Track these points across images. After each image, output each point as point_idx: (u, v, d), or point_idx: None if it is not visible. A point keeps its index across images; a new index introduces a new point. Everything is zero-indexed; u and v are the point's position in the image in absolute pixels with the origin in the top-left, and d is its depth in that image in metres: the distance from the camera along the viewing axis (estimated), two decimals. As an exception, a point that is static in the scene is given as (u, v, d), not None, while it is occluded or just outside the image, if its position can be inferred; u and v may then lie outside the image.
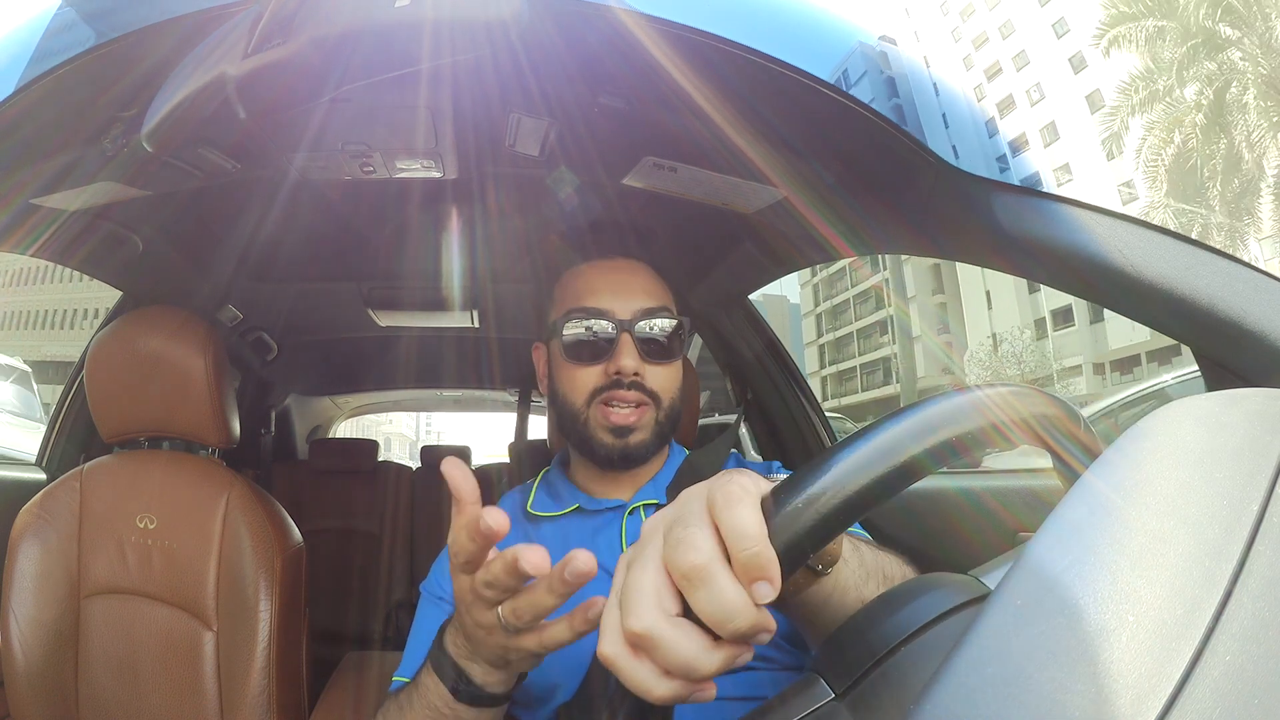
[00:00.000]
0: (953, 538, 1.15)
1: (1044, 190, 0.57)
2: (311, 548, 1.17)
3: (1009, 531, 1.13)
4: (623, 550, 0.75)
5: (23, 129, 0.68)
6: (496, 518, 0.42)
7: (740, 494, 0.33)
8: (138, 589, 1.03)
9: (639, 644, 0.32)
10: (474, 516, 0.43)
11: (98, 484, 1.06)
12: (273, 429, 2.49)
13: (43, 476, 1.30)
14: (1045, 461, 0.39)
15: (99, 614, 1.02)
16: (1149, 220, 0.53)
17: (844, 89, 0.58)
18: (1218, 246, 0.51)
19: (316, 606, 1.20)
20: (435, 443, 4.04)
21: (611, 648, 0.33)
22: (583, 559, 0.43)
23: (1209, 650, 0.24)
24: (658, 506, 0.78)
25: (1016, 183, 0.59)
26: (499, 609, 0.47)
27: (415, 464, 2.65)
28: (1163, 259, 0.51)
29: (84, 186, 0.88)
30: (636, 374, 0.75)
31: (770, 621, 0.31)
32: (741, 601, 0.31)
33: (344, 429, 3.50)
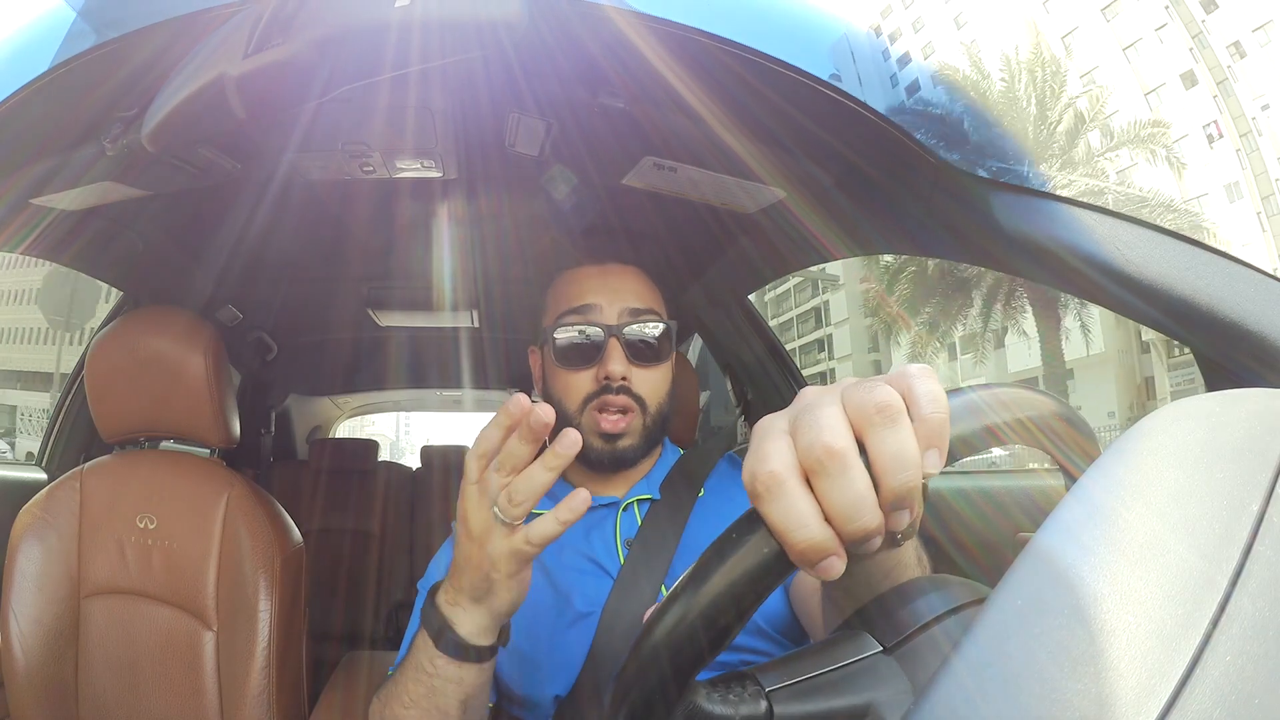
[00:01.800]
0: (951, 540, 1.15)
1: (1044, 190, 0.57)
2: (311, 548, 1.17)
3: (1008, 533, 1.13)
4: (618, 546, 0.76)
5: (22, 128, 0.68)
6: (545, 411, 0.47)
7: (933, 373, 0.33)
8: (138, 589, 1.03)
9: (823, 466, 0.30)
10: (518, 409, 0.48)
11: (98, 484, 1.06)
12: (273, 429, 2.49)
13: (43, 476, 1.30)
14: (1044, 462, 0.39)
15: (99, 614, 1.02)
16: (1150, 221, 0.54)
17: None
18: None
19: (317, 607, 1.20)
20: (419, 443, 4.10)
21: (781, 465, 0.31)
22: (571, 436, 0.47)
23: (1209, 650, 0.24)
24: (651, 502, 0.78)
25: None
26: (495, 505, 0.50)
27: (392, 460, 2.67)
28: (1163, 259, 0.51)
29: (83, 186, 0.88)
30: (624, 379, 0.77)
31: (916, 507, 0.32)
32: (917, 456, 0.30)
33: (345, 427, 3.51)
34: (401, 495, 2.43)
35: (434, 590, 0.59)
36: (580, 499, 0.48)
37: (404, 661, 0.61)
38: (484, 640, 0.57)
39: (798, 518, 0.30)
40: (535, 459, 0.49)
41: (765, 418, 0.34)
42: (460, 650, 0.56)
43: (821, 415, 0.31)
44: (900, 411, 0.31)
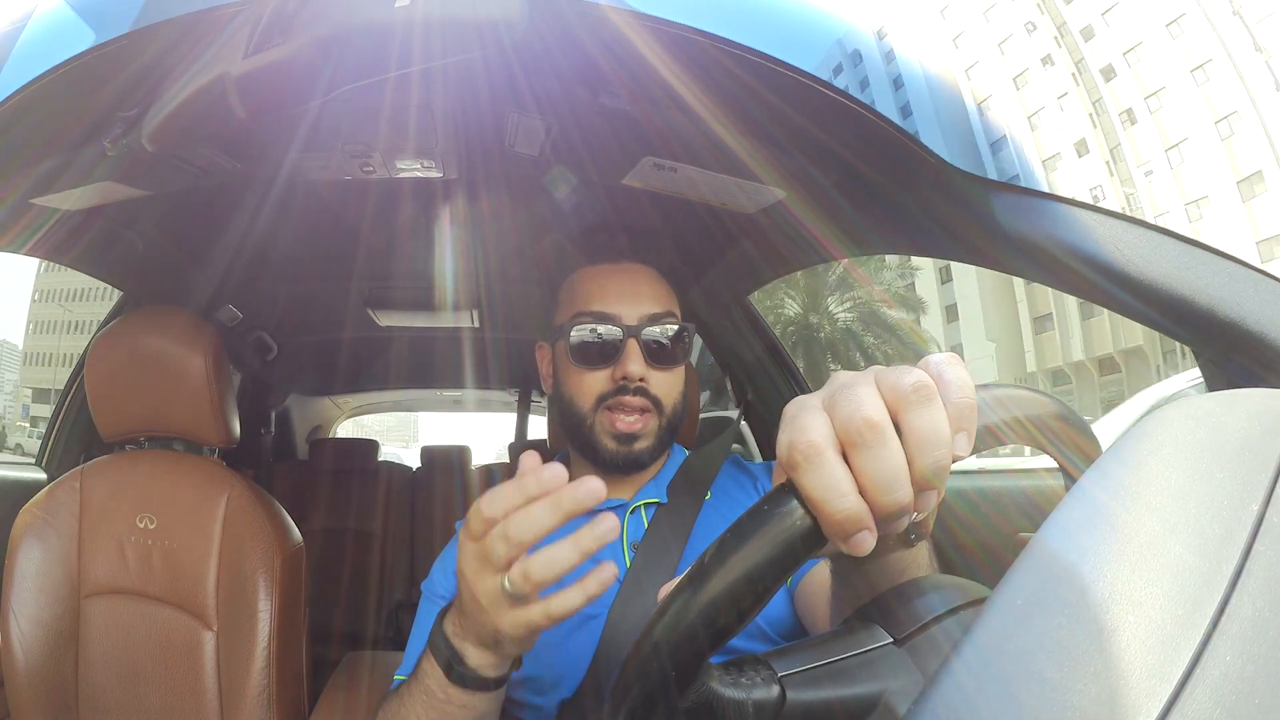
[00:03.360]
0: (951, 540, 1.15)
1: (1044, 190, 0.57)
2: (311, 548, 1.17)
3: (1008, 533, 1.13)
4: (624, 549, 0.76)
5: (22, 128, 0.68)
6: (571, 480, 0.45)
7: (960, 361, 0.34)
8: (138, 589, 1.03)
9: (862, 438, 0.31)
10: (537, 471, 0.46)
11: (98, 484, 1.06)
12: (273, 429, 2.49)
13: (43, 476, 1.30)
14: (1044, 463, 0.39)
15: (99, 614, 1.02)
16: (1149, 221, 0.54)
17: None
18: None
19: (317, 606, 1.19)
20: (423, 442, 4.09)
21: (820, 436, 0.32)
22: (609, 523, 0.45)
23: (1209, 650, 0.24)
24: (659, 505, 0.78)
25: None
26: (505, 576, 0.46)
27: (390, 456, 2.67)
28: (1163, 259, 0.51)
29: (84, 186, 0.88)
30: (642, 379, 0.76)
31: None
32: (949, 435, 0.31)
33: (349, 429, 3.51)
34: (402, 495, 2.43)
35: (442, 615, 0.57)
36: (606, 572, 0.47)
37: (411, 683, 0.59)
38: (496, 672, 0.55)
39: (835, 486, 0.31)
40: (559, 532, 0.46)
41: (797, 398, 0.35)
42: (472, 681, 0.55)
43: (859, 391, 0.32)
44: (934, 392, 0.32)
